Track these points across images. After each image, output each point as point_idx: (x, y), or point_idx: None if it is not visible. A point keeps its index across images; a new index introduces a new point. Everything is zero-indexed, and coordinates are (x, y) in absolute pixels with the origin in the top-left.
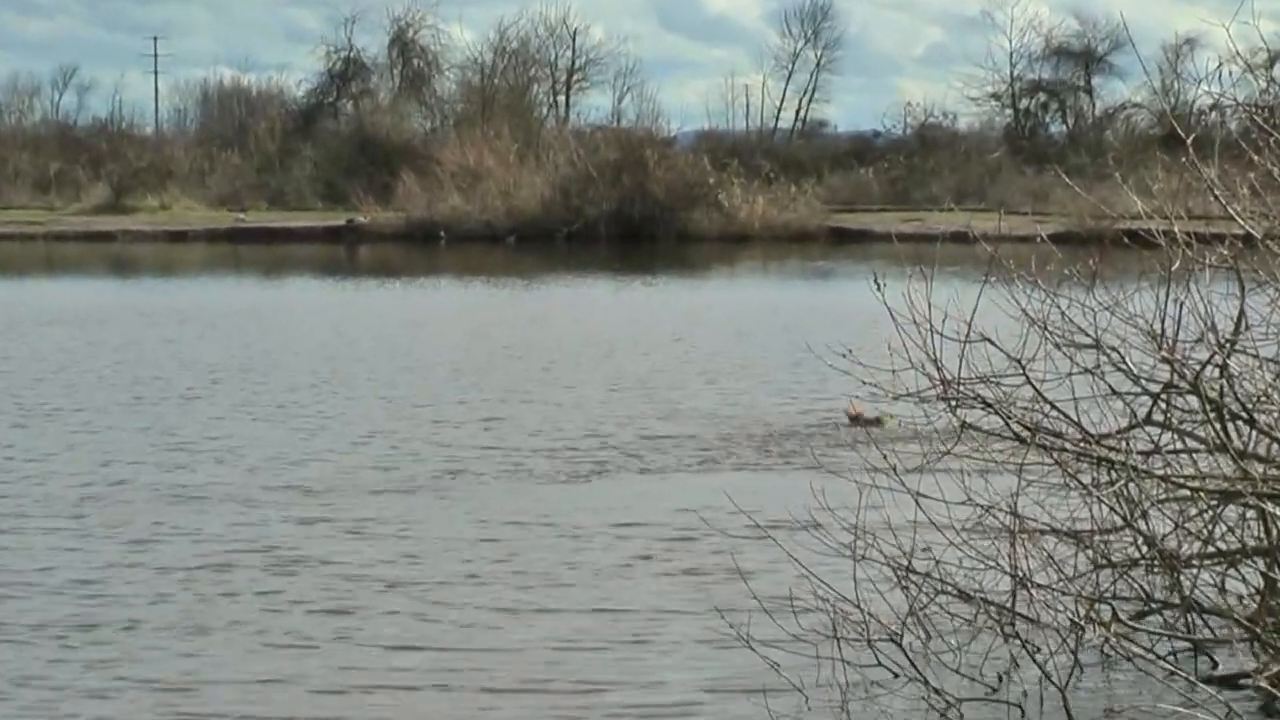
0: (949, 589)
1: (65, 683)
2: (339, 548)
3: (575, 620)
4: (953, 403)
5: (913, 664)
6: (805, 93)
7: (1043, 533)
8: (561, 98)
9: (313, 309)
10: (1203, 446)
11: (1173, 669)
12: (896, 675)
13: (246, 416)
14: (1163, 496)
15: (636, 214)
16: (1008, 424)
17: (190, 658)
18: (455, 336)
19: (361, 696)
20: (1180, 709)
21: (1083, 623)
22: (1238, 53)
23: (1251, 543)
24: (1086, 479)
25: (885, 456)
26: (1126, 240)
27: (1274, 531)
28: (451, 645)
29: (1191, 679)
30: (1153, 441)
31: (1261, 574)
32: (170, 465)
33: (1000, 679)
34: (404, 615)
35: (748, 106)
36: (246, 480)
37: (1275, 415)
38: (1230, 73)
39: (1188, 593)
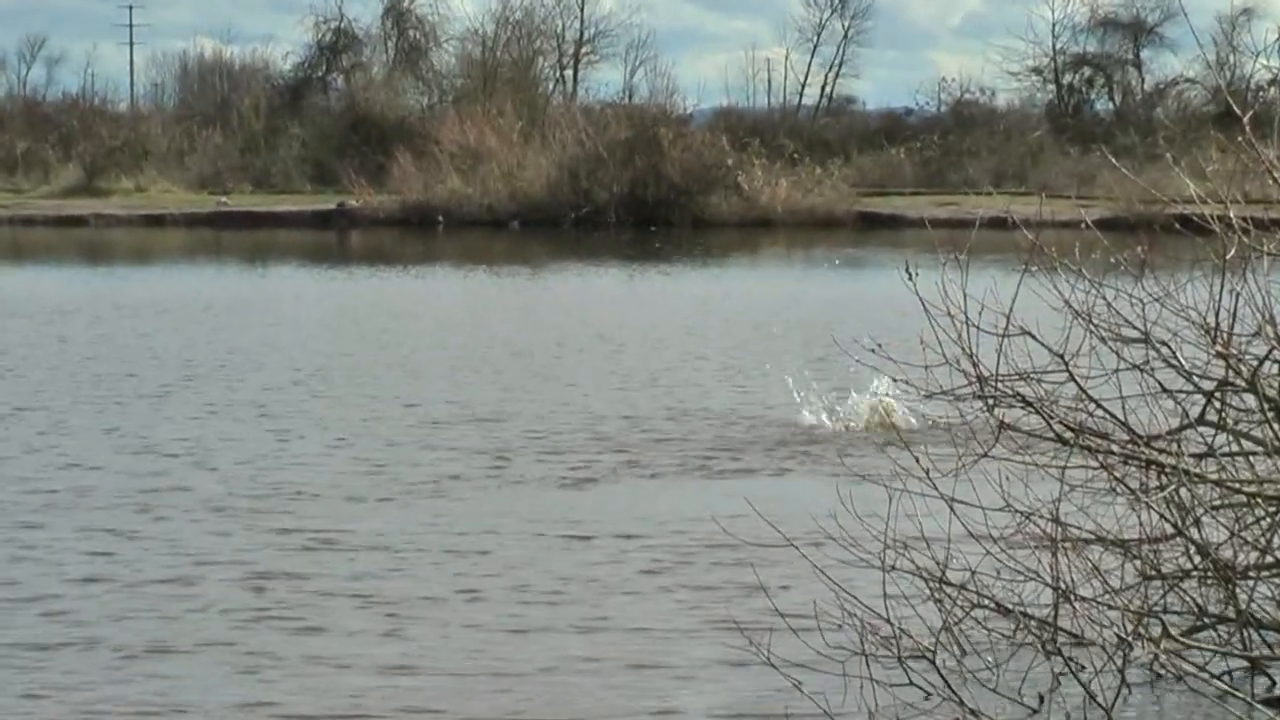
0: (986, 602)
1: (14, 709)
2: (318, 559)
3: (578, 639)
4: (990, 401)
5: (947, 683)
6: (832, 67)
7: (1087, 542)
8: (569, 72)
9: (299, 300)
10: (1260, 449)
11: (1227, 688)
12: (929, 695)
13: (223, 417)
14: (1217, 502)
15: (650, 197)
16: (1049, 424)
17: (154, 679)
18: (452, 330)
19: None
20: None
21: (1130, 639)
22: None
23: None
24: (1134, 483)
25: (918, 460)
26: (1178, 226)
27: None
28: (439, 668)
29: (1248, 699)
30: (1206, 443)
31: None
32: (140, 471)
33: (1041, 699)
34: (388, 635)
35: (770, 82)
36: (220, 487)
37: None
38: None
39: (1244, 606)
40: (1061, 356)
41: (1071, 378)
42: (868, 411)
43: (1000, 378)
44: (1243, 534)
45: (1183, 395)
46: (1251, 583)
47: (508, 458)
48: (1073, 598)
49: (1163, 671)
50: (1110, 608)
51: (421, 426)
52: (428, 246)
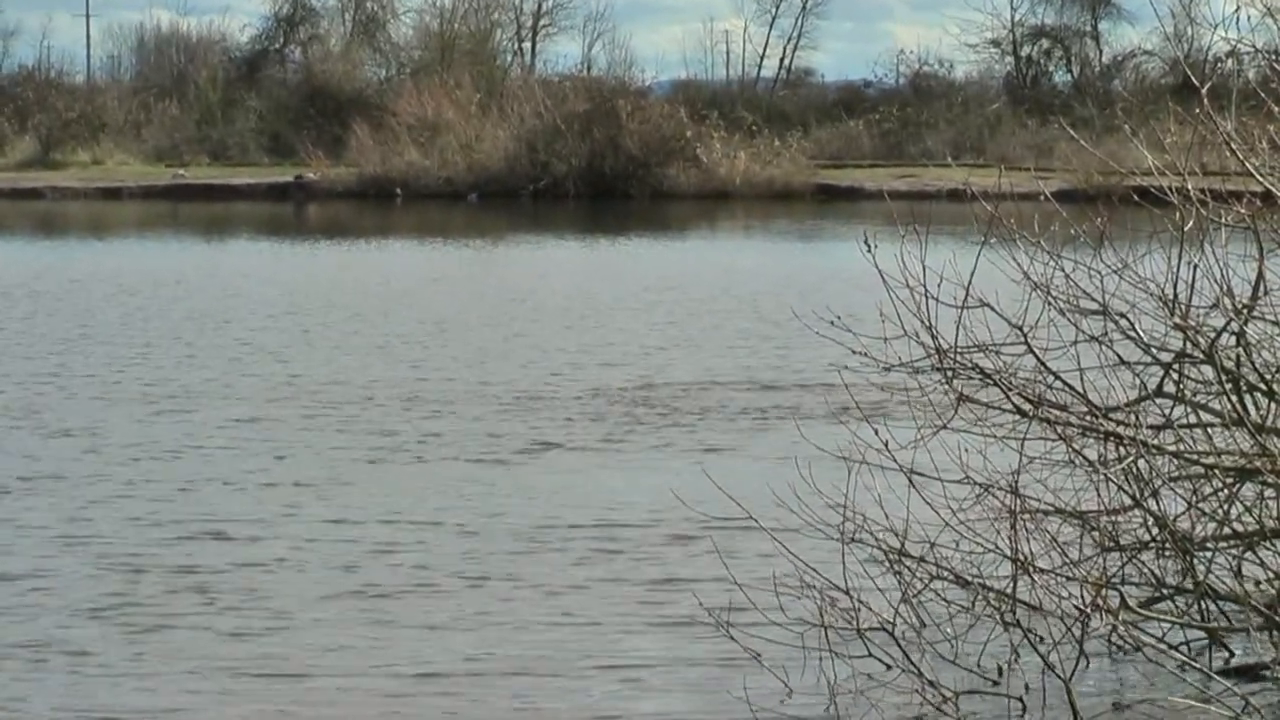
0: (945, 574)
1: None
2: (252, 553)
3: (541, 605)
4: (949, 373)
5: (906, 655)
6: (790, 39)
7: (1045, 513)
8: (527, 44)
9: (254, 272)
10: (1218, 420)
11: (1186, 659)
12: (889, 667)
13: (163, 399)
14: (1175, 474)
15: (608, 169)
16: (1008, 396)
17: (74, 695)
18: (407, 302)
19: None
20: (1194, 702)
21: (1089, 610)
22: None
23: (1270, 524)
24: (1093, 455)
25: (876, 432)
26: (1136, 198)
27: None
28: (380, 669)
29: (1206, 670)
30: (1164, 415)
31: None
32: (82, 474)
33: (1000, 670)
34: (323, 637)
35: (728, 54)
36: (153, 475)
37: None
38: (1249, 17)
39: (1201, 578)
40: (1020, 328)
41: (1030, 350)
42: None
43: (959, 350)
44: (1200, 505)
45: (1141, 367)
46: (1209, 554)
47: (459, 435)
48: (1031, 569)
49: (1121, 643)
50: (1069, 579)
51: (371, 404)
52: (385, 219)
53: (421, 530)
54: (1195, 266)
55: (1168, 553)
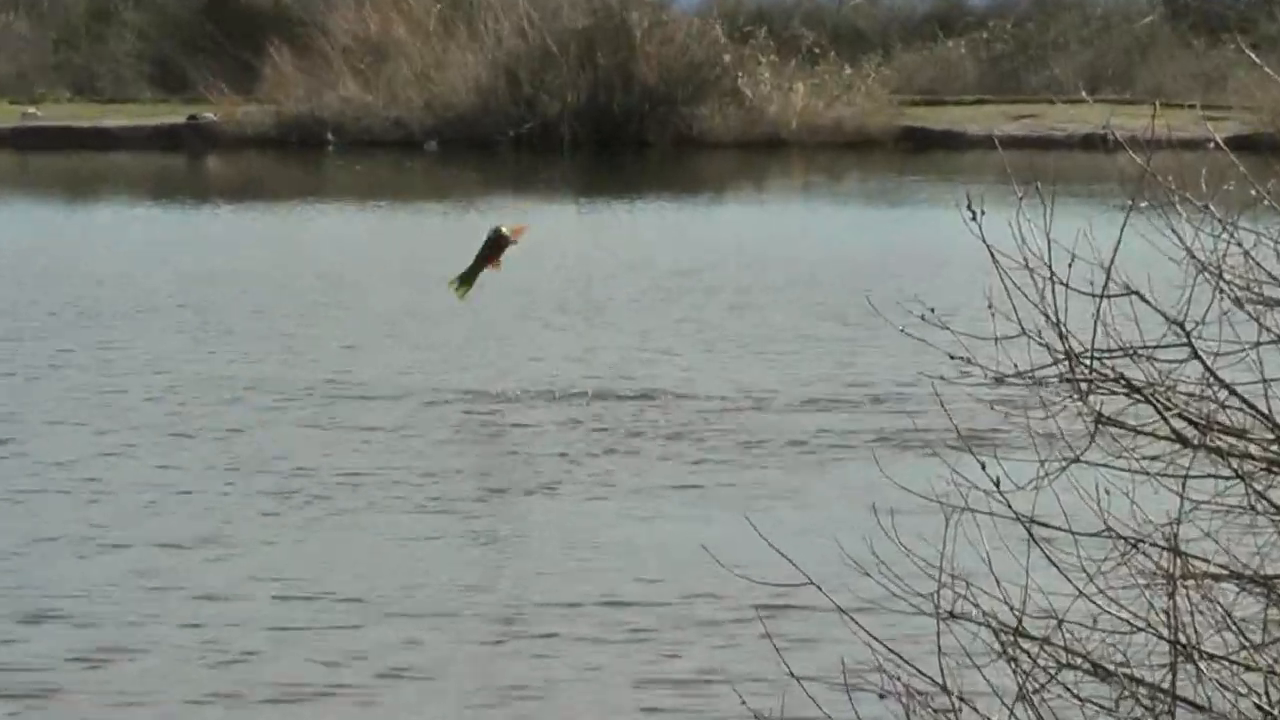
0: (1077, 661)
1: None
2: (118, 595)
3: (531, 711)
4: (1083, 386)
5: None
6: None
7: (1216, 578)
8: None
9: (131, 249)
10: None
11: None
12: None
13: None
14: None
15: (617, 108)
16: (1164, 418)
17: None
18: (341, 291)
19: None
20: None
21: (1275, 711)
22: None
23: None
24: None
25: (983, 467)
26: None
27: None
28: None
29: None
30: None
31: None
32: None
33: None
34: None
35: None
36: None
37: None
38: None
39: None
40: (1181, 325)
41: (1195, 354)
42: None
43: (1098, 354)
44: None
45: None
46: None
47: (378, 474)
48: (1196, 655)
49: None
50: (1247, 669)
51: (287, 427)
52: (313, 175)
53: (349, 611)
54: None
55: None
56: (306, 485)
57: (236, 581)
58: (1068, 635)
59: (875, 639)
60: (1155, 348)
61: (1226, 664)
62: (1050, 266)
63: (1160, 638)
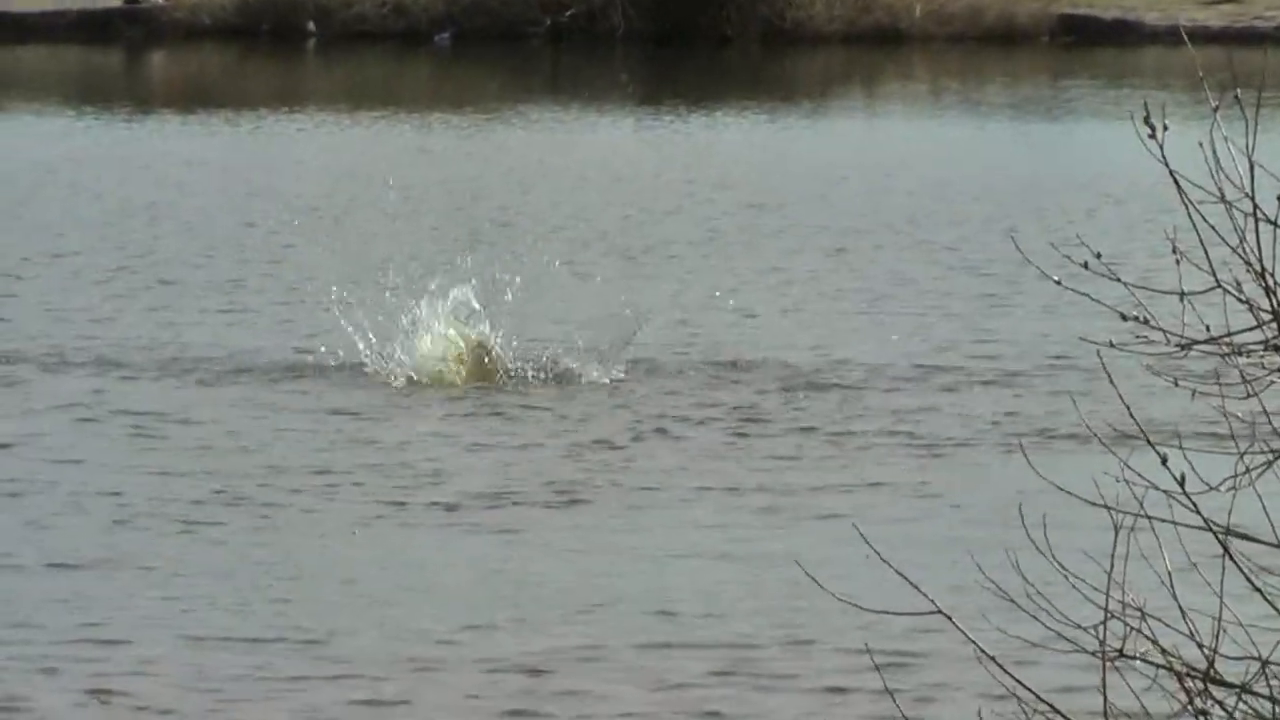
0: None
1: None
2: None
3: None
4: None
5: None
6: None
7: None
8: None
9: (52, 172)
10: None
11: None
12: None
13: None
14: None
15: None
16: None
17: None
18: (325, 225)
19: None
20: None
21: None
22: None
23: None
24: None
25: (1164, 461)
26: None
27: None
28: None
29: None
30: None
31: None
32: None
33: None
34: None
35: None
36: None
37: None
38: None
39: None
40: None
41: None
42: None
43: None
44: None
45: None
46: None
47: (362, 475)
48: None
49: None
50: None
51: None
52: (288, 76)
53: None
54: None
55: None
56: (312, 484)
57: None
58: (1275, 682)
59: (1022, 684)
60: None
61: None
62: (1254, 200)
63: None
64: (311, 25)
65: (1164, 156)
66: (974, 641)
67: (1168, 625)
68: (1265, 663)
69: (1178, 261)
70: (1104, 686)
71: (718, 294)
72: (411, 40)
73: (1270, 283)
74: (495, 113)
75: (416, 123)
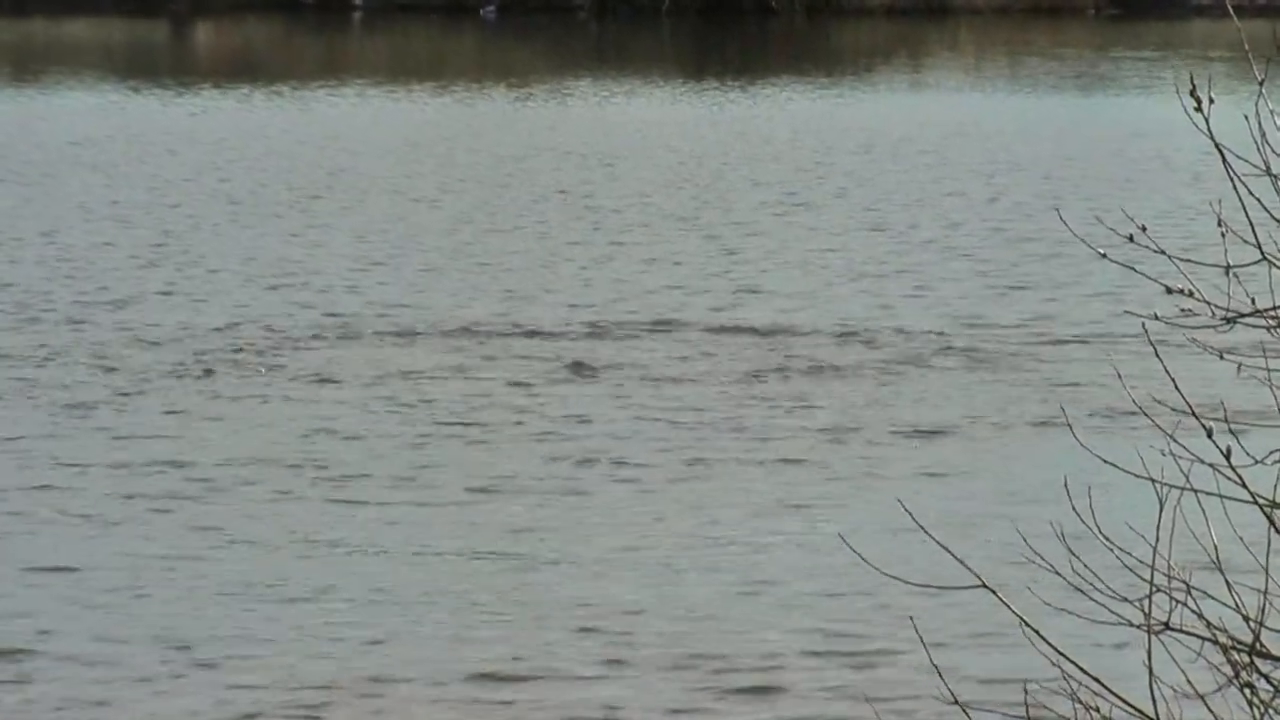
0: None
1: None
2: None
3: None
4: None
5: None
6: None
7: None
8: None
9: (102, 148)
10: None
11: None
12: None
13: None
14: None
15: None
16: None
17: None
18: (374, 195)
19: None
20: None
21: None
22: None
23: None
24: None
25: (1209, 434)
26: None
27: None
28: None
29: None
30: None
31: None
32: None
33: None
34: None
35: None
36: None
37: None
38: None
39: None
40: None
41: None
42: None
43: None
44: None
45: None
46: None
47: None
48: None
49: None
50: None
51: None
52: (334, 50)
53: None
54: None
55: None
56: (369, 454)
57: None
58: None
59: (1066, 657)
60: None
61: None
62: None
63: None
64: (357, 0)
65: (1209, 129)
66: (1019, 615)
67: (1213, 598)
68: None
69: (1223, 235)
70: (1149, 659)
71: (759, 262)
72: (458, 13)
73: None
74: (542, 89)
75: (459, 96)
